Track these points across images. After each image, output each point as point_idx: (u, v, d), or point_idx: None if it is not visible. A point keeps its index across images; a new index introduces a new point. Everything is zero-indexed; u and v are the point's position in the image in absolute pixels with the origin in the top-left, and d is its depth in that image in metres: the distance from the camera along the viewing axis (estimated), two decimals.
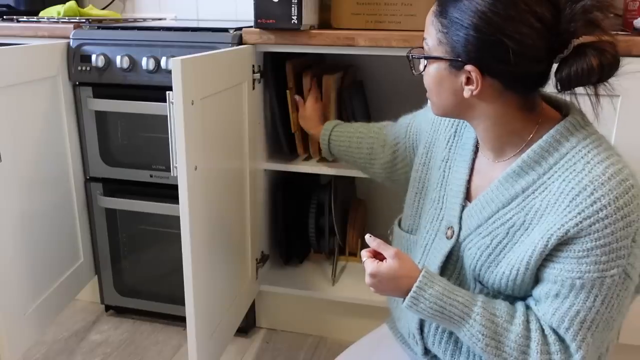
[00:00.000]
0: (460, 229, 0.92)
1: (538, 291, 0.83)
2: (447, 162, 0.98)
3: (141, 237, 1.73)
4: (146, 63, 1.50)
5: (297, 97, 1.55)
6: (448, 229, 0.94)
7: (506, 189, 0.85)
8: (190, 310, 1.23)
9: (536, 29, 0.75)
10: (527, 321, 0.82)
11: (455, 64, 0.80)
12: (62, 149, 1.60)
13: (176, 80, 1.10)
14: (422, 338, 0.97)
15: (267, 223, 1.74)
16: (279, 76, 1.60)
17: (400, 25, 1.45)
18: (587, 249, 0.76)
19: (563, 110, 0.86)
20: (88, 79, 1.57)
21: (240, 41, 1.48)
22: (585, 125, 0.83)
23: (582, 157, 0.79)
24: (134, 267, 1.75)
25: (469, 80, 0.80)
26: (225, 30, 1.49)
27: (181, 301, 1.23)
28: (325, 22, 1.55)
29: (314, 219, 1.77)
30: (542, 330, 0.81)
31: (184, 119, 1.12)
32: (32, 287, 1.49)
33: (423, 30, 0.87)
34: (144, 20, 1.97)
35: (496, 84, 0.80)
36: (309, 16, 1.45)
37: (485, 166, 0.92)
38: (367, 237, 0.90)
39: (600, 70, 0.77)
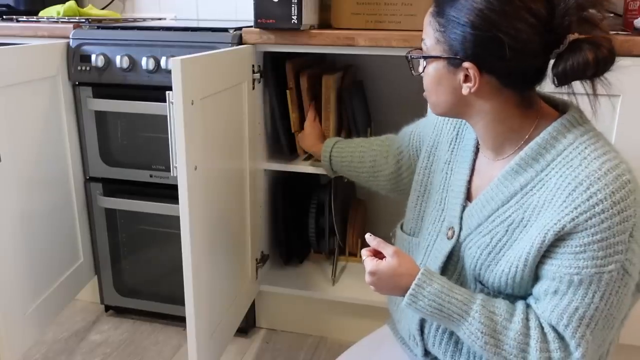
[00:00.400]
0: (460, 229, 0.92)
1: (537, 289, 0.83)
2: (449, 164, 0.99)
3: (141, 237, 1.73)
4: (146, 63, 1.50)
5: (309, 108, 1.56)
6: (449, 229, 0.94)
7: (505, 187, 0.85)
8: (190, 310, 1.23)
9: (531, 24, 0.76)
10: (527, 319, 0.82)
11: (453, 61, 0.81)
12: (62, 149, 1.60)
13: (176, 80, 1.10)
14: (423, 339, 0.97)
15: (267, 223, 1.74)
16: (278, 76, 1.60)
17: (400, 25, 1.44)
18: (584, 244, 0.76)
19: (561, 108, 0.86)
20: (88, 78, 1.57)
21: (240, 41, 1.48)
22: (582, 122, 0.83)
23: (579, 153, 0.79)
24: (134, 267, 1.75)
25: (467, 78, 0.81)
26: (225, 30, 1.49)
27: (181, 301, 1.23)
28: (325, 22, 1.55)
29: (314, 219, 1.77)
30: (542, 328, 0.81)
31: (184, 119, 1.12)
32: (32, 287, 1.48)
33: (423, 30, 0.88)
34: (144, 20, 1.97)
35: (493, 81, 0.80)
36: (309, 16, 1.45)
37: (485, 166, 0.92)
38: (367, 236, 0.90)
39: (595, 64, 0.77)
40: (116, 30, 1.57)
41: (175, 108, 1.12)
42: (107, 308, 1.87)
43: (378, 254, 0.89)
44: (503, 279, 0.85)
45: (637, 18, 1.45)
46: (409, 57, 0.90)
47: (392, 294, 0.90)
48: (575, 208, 0.76)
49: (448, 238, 0.93)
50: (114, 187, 1.68)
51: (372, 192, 2.08)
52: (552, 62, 0.81)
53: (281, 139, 1.63)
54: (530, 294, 0.85)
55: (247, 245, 1.58)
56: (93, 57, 1.54)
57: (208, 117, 1.24)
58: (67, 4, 1.81)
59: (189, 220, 1.17)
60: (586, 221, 0.75)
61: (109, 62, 1.54)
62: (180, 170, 1.14)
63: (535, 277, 0.84)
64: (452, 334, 0.92)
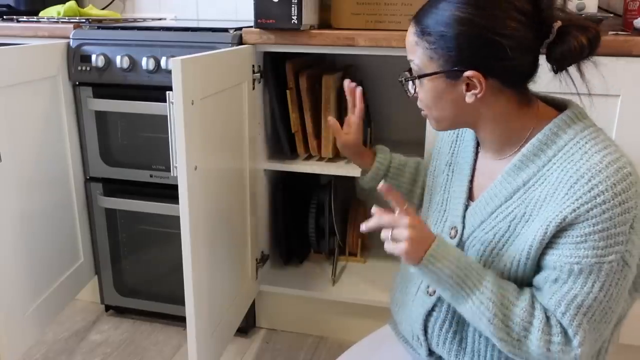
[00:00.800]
0: (463, 227, 0.92)
1: (538, 278, 0.83)
2: (450, 166, 1.00)
3: (141, 237, 1.73)
4: (146, 63, 1.50)
5: (330, 120, 1.13)
6: (451, 229, 0.94)
7: (508, 183, 0.86)
8: (190, 310, 1.23)
9: (521, 21, 0.78)
10: (533, 300, 0.82)
11: (453, 74, 0.82)
12: (62, 149, 1.60)
13: (176, 80, 1.10)
14: (427, 339, 0.97)
15: (267, 223, 1.74)
16: (279, 76, 1.60)
17: (400, 25, 1.45)
18: (585, 234, 0.77)
19: (561, 107, 0.87)
20: (88, 79, 1.57)
21: (240, 41, 1.48)
22: (582, 118, 0.86)
23: (580, 148, 0.81)
24: (134, 267, 1.75)
25: (469, 86, 0.82)
26: (225, 30, 1.49)
27: (181, 301, 1.23)
28: (325, 22, 1.55)
29: (314, 219, 1.77)
30: (546, 312, 0.81)
31: (184, 119, 1.12)
32: (32, 287, 1.48)
33: (408, 52, 0.88)
34: (144, 20, 1.97)
35: (496, 83, 0.82)
36: (309, 16, 1.45)
37: (486, 165, 0.93)
38: (374, 208, 0.88)
39: (589, 45, 0.80)
40: (116, 31, 1.57)
41: (175, 108, 1.12)
42: (107, 308, 1.87)
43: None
44: (506, 274, 0.85)
45: (636, 18, 1.45)
46: (404, 81, 0.90)
47: (413, 257, 0.83)
48: (577, 199, 0.77)
49: (451, 237, 0.94)
50: (114, 187, 1.68)
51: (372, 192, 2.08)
52: (543, 53, 0.83)
53: (281, 139, 1.63)
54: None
55: (247, 245, 1.58)
56: (93, 57, 1.54)
57: (208, 117, 1.24)
58: (68, 4, 1.81)
59: (189, 220, 1.17)
60: (587, 212, 0.76)
61: (109, 62, 1.54)
62: (180, 170, 1.14)
63: (538, 270, 0.84)
64: (455, 333, 0.92)
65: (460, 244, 0.92)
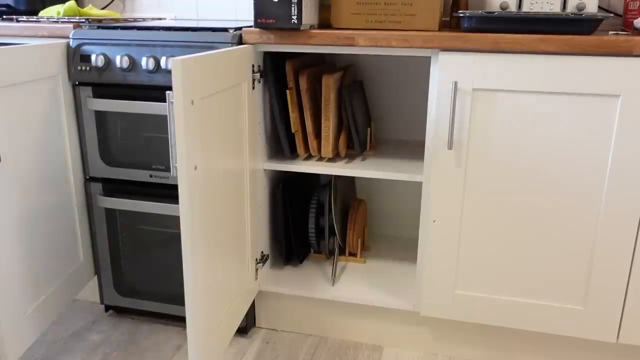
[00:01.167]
0: None
1: None
2: None
3: (141, 237, 1.73)
4: (146, 63, 1.50)
5: None
6: None
7: None
8: (190, 310, 1.23)
9: None
10: None
11: None
12: (62, 148, 1.60)
13: (176, 80, 1.10)
14: None
15: (267, 223, 1.74)
16: (278, 76, 1.60)
17: (400, 25, 1.44)
18: None
19: None
20: (88, 78, 1.57)
21: (240, 41, 1.48)
22: None
23: None
24: (134, 267, 1.75)
25: None
26: (225, 30, 1.49)
27: (181, 301, 1.23)
28: (325, 22, 1.55)
29: (314, 219, 1.77)
30: None
31: (184, 119, 1.12)
32: (32, 287, 1.48)
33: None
34: (144, 20, 1.97)
35: None
36: (309, 16, 1.45)
37: None
38: None
39: None
40: (116, 30, 1.57)
41: (175, 108, 1.12)
42: (107, 308, 1.87)
43: None
44: None
45: (637, 18, 1.45)
46: None
47: None
48: None
49: None
50: (114, 187, 1.68)
51: (372, 192, 2.08)
52: None
53: (281, 139, 1.63)
54: None
55: (247, 245, 1.58)
56: (93, 57, 1.54)
57: (208, 117, 1.24)
58: (67, 3, 1.81)
59: (189, 220, 1.17)
60: None
61: (109, 62, 1.54)
62: (180, 170, 1.14)
63: None
64: None
65: None
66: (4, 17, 1.77)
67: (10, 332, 1.40)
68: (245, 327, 1.74)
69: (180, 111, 1.11)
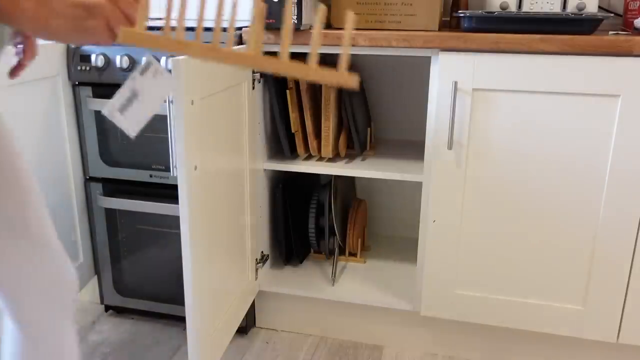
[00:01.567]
0: None
1: None
2: None
3: (141, 237, 1.73)
4: None
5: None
6: None
7: None
8: (190, 310, 1.23)
9: None
10: None
11: None
12: (62, 148, 1.60)
13: (176, 81, 1.10)
14: None
15: (267, 223, 1.74)
16: (278, 76, 1.60)
17: (400, 25, 1.44)
18: None
19: None
20: (87, 78, 1.57)
21: (240, 41, 1.48)
22: None
23: None
24: (134, 267, 1.75)
25: None
26: (225, 30, 1.49)
27: (181, 301, 1.23)
28: (325, 22, 1.55)
29: (314, 219, 1.77)
30: None
31: (184, 119, 1.12)
32: None
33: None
34: None
35: None
36: (309, 16, 1.45)
37: None
38: None
39: None
40: None
41: (175, 108, 1.12)
42: (107, 308, 1.87)
43: None
44: None
45: (637, 18, 1.45)
46: None
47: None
48: None
49: None
50: (114, 187, 1.68)
51: (372, 192, 2.08)
52: None
53: (281, 139, 1.63)
54: None
55: (247, 245, 1.58)
56: (93, 56, 1.54)
57: (208, 117, 1.24)
58: None
59: (189, 220, 1.17)
60: None
61: (108, 61, 1.54)
62: (180, 170, 1.14)
63: None
64: None
65: None
66: None
67: None
68: (245, 327, 1.74)
69: (180, 111, 1.11)
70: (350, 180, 1.96)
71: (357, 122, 1.65)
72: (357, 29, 1.45)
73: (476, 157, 1.41)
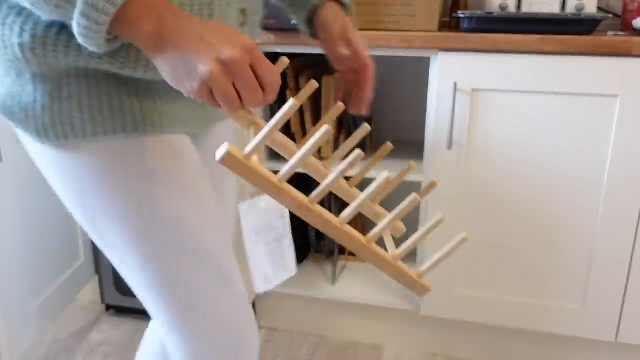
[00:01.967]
0: None
1: None
2: None
3: None
4: None
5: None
6: None
7: None
8: None
9: None
10: None
11: None
12: None
13: None
14: None
15: None
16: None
17: (400, 26, 1.45)
18: None
19: None
20: None
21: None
22: None
23: None
24: None
25: None
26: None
27: None
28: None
29: None
30: None
31: None
32: (32, 287, 1.49)
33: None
34: None
35: None
36: None
37: None
38: None
39: None
40: None
41: None
42: (108, 307, 1.87)
43: None
44: None
45: (635, 18, 1.45)
46: None
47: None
48: None
49: None
50: None
51: None
52: None
53: None
54: None
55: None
56: None
57: None
58: None
59: None
60: None
61: None
62: None
63: None
64: None
65: None
66: None
67: (11, 331, 1.40)
68: None
69: None
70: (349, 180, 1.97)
71: (357, 122, 1.66)
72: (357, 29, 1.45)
73: (476, 157, 1.41)
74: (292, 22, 1.39)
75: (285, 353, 1.68)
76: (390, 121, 1.95)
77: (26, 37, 0.61)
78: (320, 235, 1.80)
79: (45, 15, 0.57)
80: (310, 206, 0.56)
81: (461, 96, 1.37)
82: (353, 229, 0.58)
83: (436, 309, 1.55)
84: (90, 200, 0.69)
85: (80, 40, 0.55)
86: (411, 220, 2.00)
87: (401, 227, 0.75)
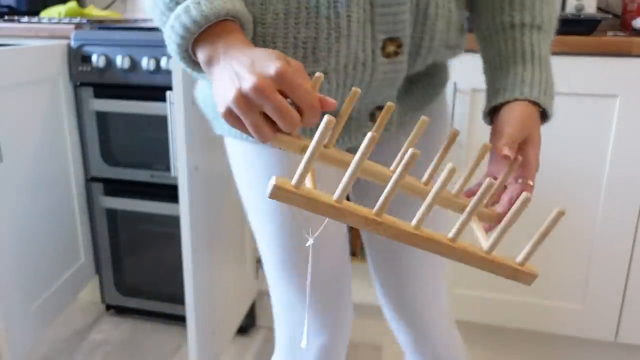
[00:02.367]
0: None
1: None
2: None
3: (141, 237, 1.73)
4: (147, 63, 1.50)
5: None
6: None
7: None
8: (190, 310, 1.23)
9: None
10: None
11: None
12: (63, 149, 1.61)
13: (176, 81, 1.10)
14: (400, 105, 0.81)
15: None
16: None
17: None
18: None
19: None
20: (89, 79, 1.58)
21: None
22: None
23: None
24: (135, 266, 1.76)
25: None
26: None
27: (181, 301, 1.24)
28: None
29: None
30: None
31: (184, 119, 1.12)
32: (33, 287, 1.49)
33: None
34: (145, 20, 1.97)
35: None
36: None
37: None
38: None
39: None
40: (117, 31, 1.57)
41: (175, 108, 1.12)
42: (108, 307, 1.87)
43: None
44: None
45: (635, 18, 1.45)
46: None
47: None
48: None
49: None
50: (115, 187, 1.68)
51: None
52: None
53: None
54: None
55: (247, 245, 1.58)
56: (94, 57, 1.55)
57: None
58: (69, 4, 1.81)
59: (189, 220, 1.18)
60: None
61: (110, 62, 1.55)
62: (181, 170, 1.15)
63: None
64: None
65: None
66: (6, 17, 1.78)
67: (12, 331, 1.40)
68: (246, 327, 1.74)
69: (180, 111, 1.12)
70: None
71: None
72: None
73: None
74: None
75: None
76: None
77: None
78: None
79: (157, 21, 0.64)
80: (378, 219, 0.52)
81: (461, 96, 1.37)
82: (430, 231, 0.54)
83: None
84: None
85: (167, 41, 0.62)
86: None
87: (489, 211, 0.69)
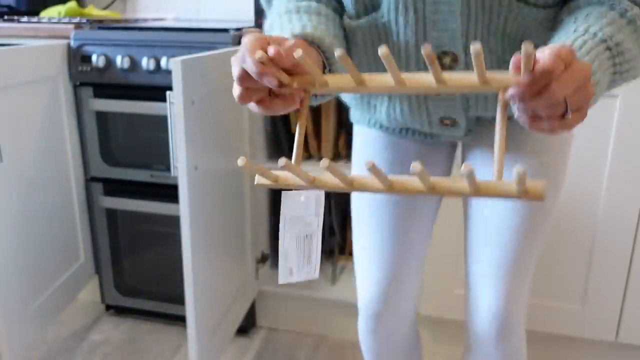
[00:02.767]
0: None
1: None
2: None
3: (141, 237, 1.73)
4: (147, 63, 1.50)
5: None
6: None
7: None
8: (190, 310, 1.23)
9: None
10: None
11: None
12: (63, 149, 1.60)
13: (176, 81, 1.10)
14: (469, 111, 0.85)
15: (267, 223, 1.74)
16: None
17: None
18: None
19: None
20: (89, 79, 1.58)
21: (240, 41, 1.48)
22: None
23: None
24: (135, 266, 1.76)
25: None
26: (225, 30, 1.49)
27: (181, 301, 1.24)
28: None
29: None
30: None
31: (184, 119, 1.12)
32: (32, 287, 1.49)
33: None
34: (145, 20, 1.97)
35: None
36: None
37: None
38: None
39: None
40: (117, 31, 1.57)
41: (175, 108, 1.12)
42: (108, 307, 1.87)
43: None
44: None
45: None
46: None
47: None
48: None
49: None
50: (114, 187, 1.68)
51: None
52: None
53: (281, 139, 1.63)
54: None
55: (247, 245, 1.58)
56: (94, 57, 1.55)
57: (208, 117, 1.25)
58: (68, 4, 1.81)
59: (189, 220, 1.17)
60: None
61: (109, 62, 1.55)
62: (181, 170, 1.15)
63: None
64: None
65: None
66: (5, 17, 1.78)
67: (11, 331, 1.40)
68: (246, 327, 1.74)
69: (180, 111, 1.12)
70: None
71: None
72: None
73: None
74: None
75: (285, 353, 1.68)
76: None
77: None
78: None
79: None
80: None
81: None
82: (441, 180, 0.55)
83: (436, 309, 1.55)
84: None
85: None
86: None
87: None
